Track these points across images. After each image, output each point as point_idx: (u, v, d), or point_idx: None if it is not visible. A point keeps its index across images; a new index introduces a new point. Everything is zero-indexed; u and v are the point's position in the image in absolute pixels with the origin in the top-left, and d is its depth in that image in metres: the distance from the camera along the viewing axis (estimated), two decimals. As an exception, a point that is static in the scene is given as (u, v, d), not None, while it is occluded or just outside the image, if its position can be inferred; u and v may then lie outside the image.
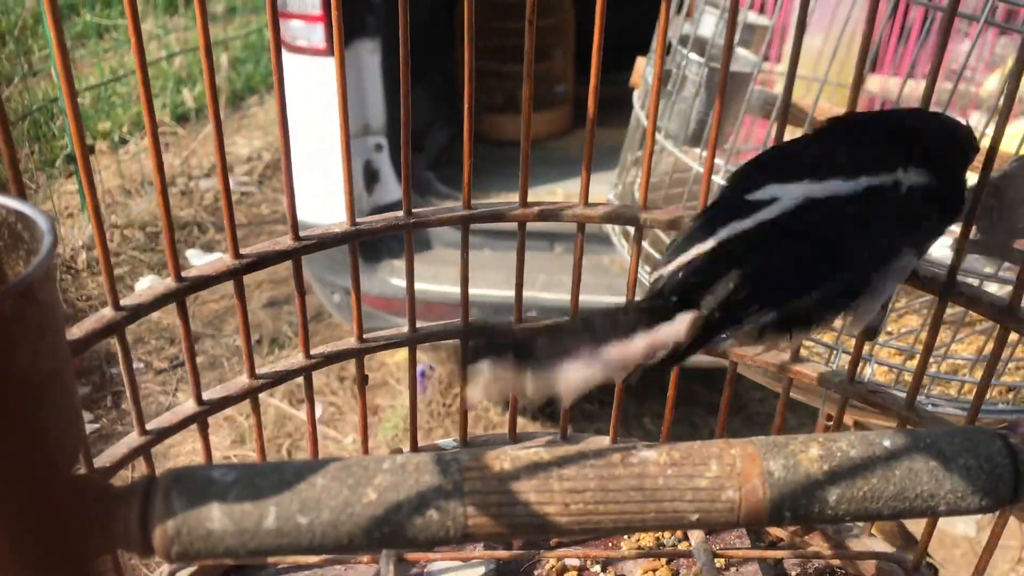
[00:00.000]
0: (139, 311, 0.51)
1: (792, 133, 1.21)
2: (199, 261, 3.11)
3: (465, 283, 0.61)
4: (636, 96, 1.11)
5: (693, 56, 0.90)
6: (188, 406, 0.56)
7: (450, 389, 2.57)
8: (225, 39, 4.14)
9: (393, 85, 2.21)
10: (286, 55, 2.12)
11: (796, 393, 0.83)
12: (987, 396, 0.81)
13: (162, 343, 2.71)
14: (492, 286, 2.06)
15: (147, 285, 2.26)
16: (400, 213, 0.59)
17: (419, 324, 0.64)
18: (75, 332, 0.47)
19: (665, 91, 0.93)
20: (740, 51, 0.93)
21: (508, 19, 2.57)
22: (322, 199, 2.09)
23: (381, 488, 0.42)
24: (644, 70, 0.99)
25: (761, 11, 1.15)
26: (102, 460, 0.51)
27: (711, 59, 0.89)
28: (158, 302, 0.52)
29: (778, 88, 1.09)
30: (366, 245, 2.02)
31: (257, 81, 4.44)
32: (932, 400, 0.81)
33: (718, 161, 0.97)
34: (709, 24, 0.95)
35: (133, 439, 0.53)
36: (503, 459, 0.45)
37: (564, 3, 2.88)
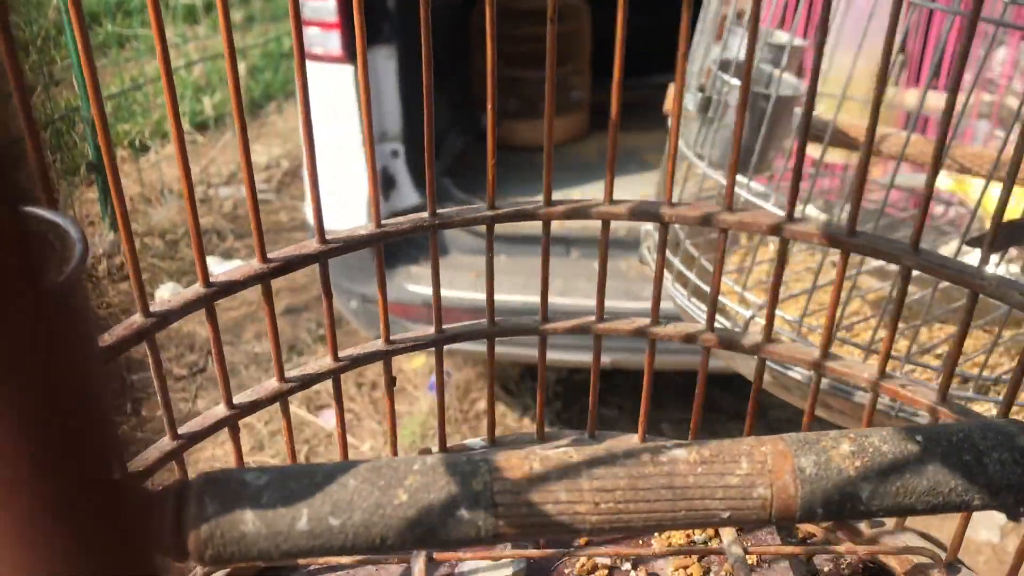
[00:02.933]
0: (169, 317, 0.51)
1: (847, 156, 1.21)
2: (218, 268, 3.12)
3: (490, 282, 0.61)
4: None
5: (735, 81, 0.90)
6: (219, 410, 0.56)
7: (468, 394, 2.57)
8: (243, 48, 4.17)
9: (409, 92, 2.22)
10: (303, 62, 2.15)
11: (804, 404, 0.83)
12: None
13: (182, 350, 2.73)
14: (509, 292, 2.06)
15: (167, 292, 2.28)
16: (425, 214, 0.59)
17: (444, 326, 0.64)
18: (106, 339, 0.48)
19: (706, 118, 0.93)
20: (786, 75, 0.92)
21: (523, 25, 2.58)
22: (339, 205, 2.10)
23: (412, 489, 0.42)
24: (684, 98, 0.98)
25: (804, 34, 1.14)
26: (135, 465, 0.52)
27: (754, 84, 0.89)
28: (187, 308, 0.52)
29: (816, 109, 1.08)
30: (384, 251, 2.03)
31: (275, 89, 4.48)
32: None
33: (758, 187, 0.96)
34: (735, 45, 0.94)
35: (165, 444, 0.54)
36: (532, 459, 0.45)
37: (580, 9, 2.89)
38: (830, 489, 0.46)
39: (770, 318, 0.60)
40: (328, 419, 2.41)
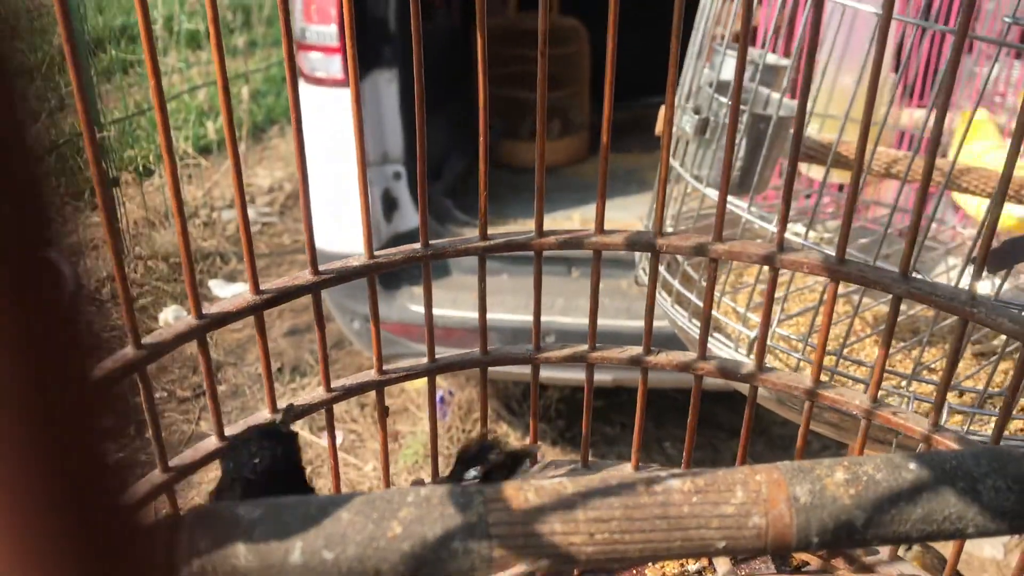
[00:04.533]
0: (160, 349, 0.51)
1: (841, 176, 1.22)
2: (221, 291, 3.14)
3: (483, 313, 0.62)
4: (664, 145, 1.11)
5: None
6: (211, 442, 0.57)
7: (470, 415, 2.57)
8: (246, 72, 4.20)
9: (411, 114, 2.24)
10: (305, 86, 2.18)
11: (820, 427, 0.83)
12: (1010, 432, 0.81)
13: (185, 371, 2.73)
14: (510, 311, 2.06)
15: (171, 316, 2.28)
16: (418, 245, 0.60)
17: (438, 352, 0.64)
18: (96, 372, 0.48)
19: (703, 140, 0.93)
20: (786, 99, 0.93)
21: (525, 47, 2.59)
22: (342, 228, 2.11)
23: (406, 522, 0.43)
24: (680, 120, 0.98)
25: (787, 53, 1.15)
26: (123, 499, 0.52)
27: (752, 105, 0.89)
28: (179, 340, 0.52)
29: (809, 129, 1.08)
30: (386, 273, 2.03)
31: (278, 113, 4.50)
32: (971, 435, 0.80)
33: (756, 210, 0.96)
34: (731, 68, 0.94)
35: (156, 476, 0.54)
36: (527, 489, 0.45)
37: (580, 31, 2.90)
38: (825, 518, 0.46)
39: (761, 347, 0.60)
40: (331, 441, 2.41)
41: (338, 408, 2.67)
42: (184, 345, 0.52)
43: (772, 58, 0.99)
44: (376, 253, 0.58)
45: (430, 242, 0.59)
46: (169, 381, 2.70)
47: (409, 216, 2.29)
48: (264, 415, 0.59)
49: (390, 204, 2.28)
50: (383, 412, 0.62)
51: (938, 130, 0.52)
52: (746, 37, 0.54)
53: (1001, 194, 0.51)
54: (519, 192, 2.56)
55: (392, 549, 0.42)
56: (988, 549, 2.05)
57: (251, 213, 3.67)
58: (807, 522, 0.45)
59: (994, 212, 0.51)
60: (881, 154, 0.98)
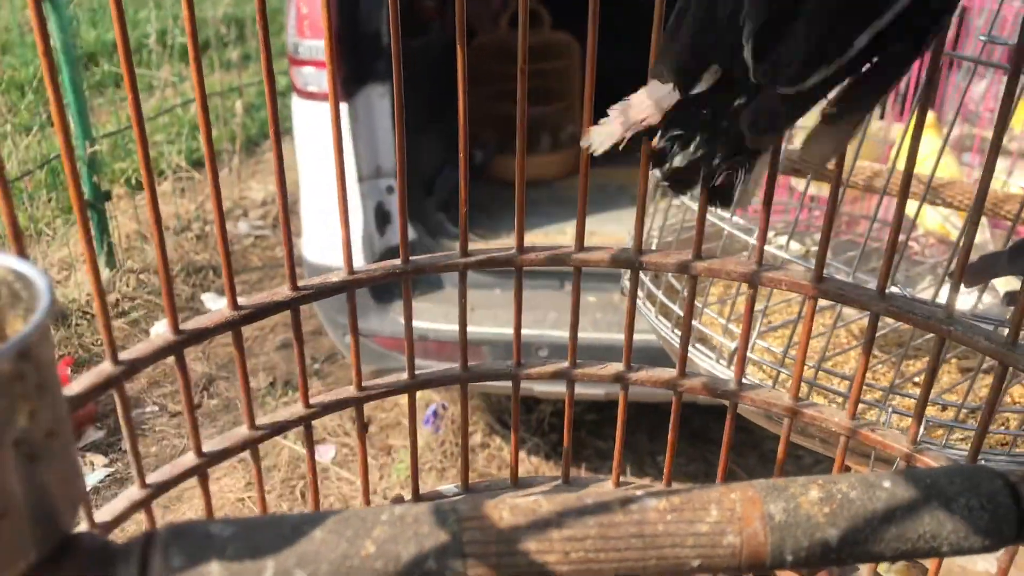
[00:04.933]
0: (137, 365, 0.51)
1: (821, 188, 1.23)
2: (214, 304, 3.13)
3: (463, 328, 0.62)
4: None
5: None
6: (188, 458, 0.57)
7: (464, 428, 2.56)
8: (240, 86, 4.20)
9: (403, 128, 2.24)
10: (298, 100, 2.18)
11: (807, 441, 0.83)
12: (990, 445, 0.81)
13: (178, 386, 2.73)
14: (503, 325, 2.05)
15: (163, 329, 2.27)
16: (398, 261, 0.60)
17: (430, 366, 0.64)
18: (73, 387, 0.48)
19: None
20: None
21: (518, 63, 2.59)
22: (334, 241, 2.11)
23: (380, 540, 0.42)
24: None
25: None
26: (102, 515, 0.52)
27: None
28: (156, 355, 0.52)
29: (795, 142, 1.09)
30: (378, 287, 2.04)
31: (271, 126, 4.50)
32: (951, 448, 0.80)
33: (739, 220, 0.97)
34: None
35: (134, 493, 0.54)
36: (502, 508, 0.45)
37: (571, 45, 2.91)
38: (799, 536, 0.46)
39: (741, 363, 0.60)
40: (324, 454, 2.41)
41: (331, 422, 2.66)
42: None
43: None
44: (356, 269, 0.58)
45: (411, 258, 0.59)
46: (161, 395, 2.69)
47: (402, 230, 2.29)
48: (242, 431, 0.59)
49: (383, 217, 2.28)
50: (362, 428, 0.62)
51: (915, 146, 0.52)
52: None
53: (977, 210, 0.51)
54: (514, 206, 2.56)
55: (365, 568, 0.42)
56: (981, 563, 2.04)
57: (244, 226, 3.68)
58: (781, 540, 0.45)
59: (971, 227, 0.51)
60: (863, 168, 0.99)
